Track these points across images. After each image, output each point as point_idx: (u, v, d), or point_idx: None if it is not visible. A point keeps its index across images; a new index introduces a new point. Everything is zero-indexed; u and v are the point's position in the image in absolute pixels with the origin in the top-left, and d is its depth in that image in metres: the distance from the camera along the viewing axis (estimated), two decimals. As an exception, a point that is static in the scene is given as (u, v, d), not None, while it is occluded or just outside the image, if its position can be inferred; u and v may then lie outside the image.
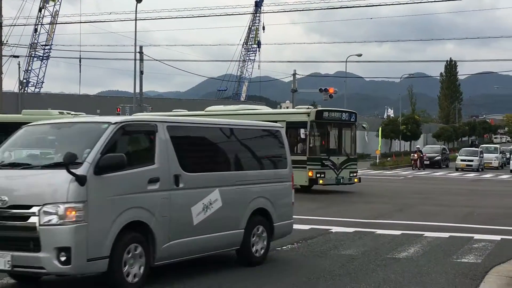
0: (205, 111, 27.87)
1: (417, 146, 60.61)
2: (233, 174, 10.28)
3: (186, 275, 9.46)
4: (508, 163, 54.02)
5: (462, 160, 51.65)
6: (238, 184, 10.20)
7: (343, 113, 26.42)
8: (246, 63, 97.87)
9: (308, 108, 26.66)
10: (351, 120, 26.55)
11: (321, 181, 24.43)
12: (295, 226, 14.93)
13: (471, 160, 51.28)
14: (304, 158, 24.14)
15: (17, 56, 55.82)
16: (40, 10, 66.86)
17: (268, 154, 11.51)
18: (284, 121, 23.39)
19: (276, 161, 11.55)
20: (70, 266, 7.37)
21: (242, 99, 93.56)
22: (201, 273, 9.66)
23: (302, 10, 54.73)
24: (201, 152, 10.17)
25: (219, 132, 10.61)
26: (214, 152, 10.51)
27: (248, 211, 10.26)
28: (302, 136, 24.28)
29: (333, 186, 25.87)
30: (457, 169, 50.83)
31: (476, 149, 58.53)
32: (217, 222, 9.57)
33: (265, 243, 10.63)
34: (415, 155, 52.84)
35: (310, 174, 24.02)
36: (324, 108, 27.65)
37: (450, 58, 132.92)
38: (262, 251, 10.57)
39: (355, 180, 26.00)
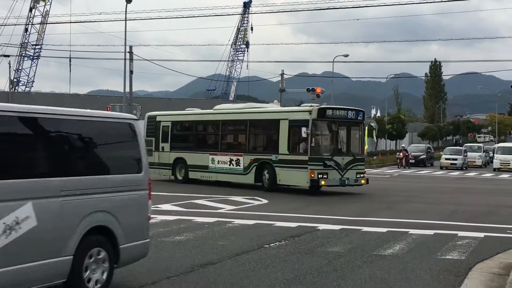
0: (214, 109, 28.96)
1: (402, 145, 60.77)
2: (57, 181, 7.50)
3: None
4: (491, 162, 54.31)
5: (446, 159, 51.92)
6: (65, 194, 7.54)
7: (349, 111, 24.18)
8: (235, 63, 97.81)
9: (311, 106, 24.38)
10: (358, 118, 24.46)
11: (323, 182, 22.83)
12: (283, 224, 15.02)
13: (455, 159, 51.54)
14: (306, 158, 22.70)
15: (8, 56, 55.57)
16: (30, 10, 66.55)
17: (114, 154, 8.97)
18: (287, 119, 23.71)
19: (125, 163, 9.01)
20: None
21: (231, 98, 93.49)
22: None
23: (290, 11, 54.76)
24: (4, 150, 7.08)
25: (37, 124, 7.58)
26: (27, 150, 7.54)
27: (80, 230, 7.67)
28: (304, 135, 22.45)
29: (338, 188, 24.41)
30: (441, 168, 51.02)
31: (460, 148, 58.77)
32: (29, 248, 7.00)
33: (105, 273, 8.09)
34: (401, 154, 52.97)
35: (311, 175, 22.39)
36: (327, 105, 25.65)
37: (435, 58, 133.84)
38: (102, 282, 8.04)
39: (362, 181, 24.00)
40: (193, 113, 30.17)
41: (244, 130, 26.38)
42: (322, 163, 22.64)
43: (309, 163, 22.50)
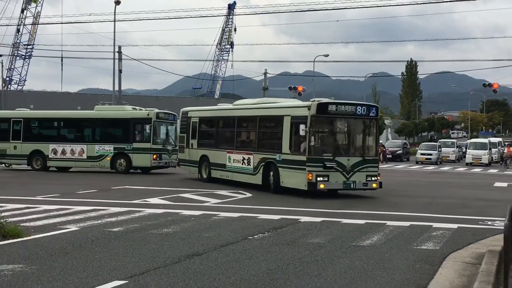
0: (234, 105, 27.36)
1: (380, 141, 61.07)
2: None
3: (162, 263, 9.35)
4: (464, 157, 54.71)
5: (422, 154, 52.25)
6: None
7: (359, 107, 20.67)
8: (220, 62, 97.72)
9: (312, 100, 20.89)
10: (370, 115, 20.84)
11: (321, 186, 19.68)
12: (266, 217, 15.04)
13: (430, 154, 51.91)
14: (304, 158, 19.81)
15: (0, 55, 55.02)
16: (22, 11, 65.97)
17: None
18: (289, 115, 21.03)
19: None
20: None
21: (216, 96, 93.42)
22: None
23: (272, 13, 54.87)
24: None
25: None
26: None
27: None
28: (302, 133, 19.64)
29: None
30: (417, 162, 51.34)
31: (435, 143, 59.15)
32: None
33: None
34: (379, 149, 53.19)
35: (309, 176, 19.51)
36: (329, 101, 21.58)
37: (411, 58, 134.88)
38: None
39: (374, 185, 20.49)
40: (214, 108, 28.77)
41: (255, 127, 24.09)
42: (321, 164, 19.65)
43: (307, 164, 19.64)
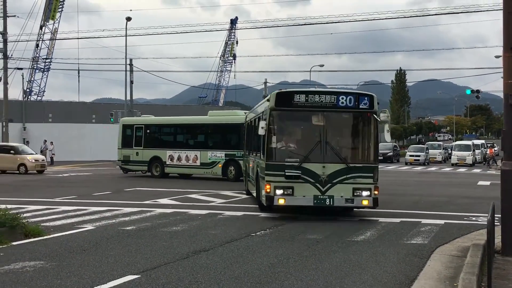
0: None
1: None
2: None
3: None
4: (450, 158, 54.69)
5: (410, 155, 52.32)
6: None
7: (341, 97, 14.26)
8: (223, 73, 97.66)
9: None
10: (361, 107, 14.34)
11: (280, 201, 13.93)
12: (267, 215, 15.02)
13: (419, 155, 51.99)
14: (264, 164, 14.60)
15: (21, 68, 55.05)
16: (41, 28, 66.06)
17: None
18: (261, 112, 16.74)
19: None
20: None
21: (220, 104, 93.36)
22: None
23: (271, 27, 54.98)
24: None
25: None
26: None
27: None
28: (261, 132, 14.28)
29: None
30: (406, 163, 51.33)
31: (423, 146, 59.15)
32: None
33: None
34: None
35: (266, 188, 14.11)
36: (295, 89, 15.08)
37: (400, 67, 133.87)
38: None
39: (364, 202, 14.07)
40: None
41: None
42: (282, 173, 13.94)
43: (265, 171, 14.26)
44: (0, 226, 11.06)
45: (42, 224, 12.89)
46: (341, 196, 13.97)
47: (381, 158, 53.88)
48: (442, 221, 14.35)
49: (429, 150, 55.50)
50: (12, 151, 34.40)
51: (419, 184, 27.90)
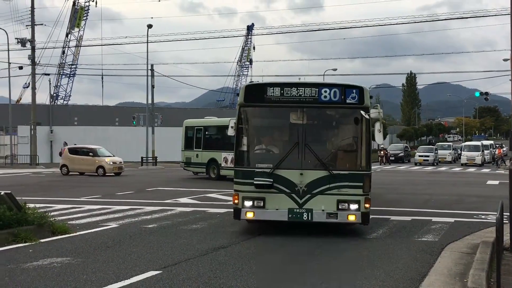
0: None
1: (382, 145, 60.79)
2: None
3: (192, 255, 9.39)
4: (459, 158, 54.24)
5: (420, 156, 51.85)
6: None
7: (324, 90, 11.41)
8: (240, 77, 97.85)
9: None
10: (348, 101, 11.41)
11: (249, 215, 11.32)
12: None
13: (428, 156, 51.52)
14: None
15: (48, 74, 55.60)
16: (67, 35, 66.66)
17: None
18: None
19: None
20: None
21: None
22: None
23: (286, 33, 54.86)
24: None
25: None
26: None
27: None
28: (230, 132, 11.77)
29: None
30: (415, 164, 50.91)
31: (432, 146, 58.72)
32: None
33: None
34: (382, 152, 52.93)
35: (234, 199, 11.55)
36: (268, 81, 13.82)
37: (410, 71, 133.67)
38: None
39: (351, 217, 11.14)
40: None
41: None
42: (251, 181, 11.24)
43: (234, 179, 11.70)
44: (29, 224, 11.18)
45: (68, 222, 13.00)
46: (322, 210, 11.01)
47: (393, 158, 53.78)
48: (452, 219, 14.24)
49: (440, 150, 55.09)
50: (91, 154, 33.50)
51: (430, 184, 27.70)
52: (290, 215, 11.12)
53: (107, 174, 32.78)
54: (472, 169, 44.12)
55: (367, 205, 11.14)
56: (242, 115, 11.58)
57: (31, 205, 12.27)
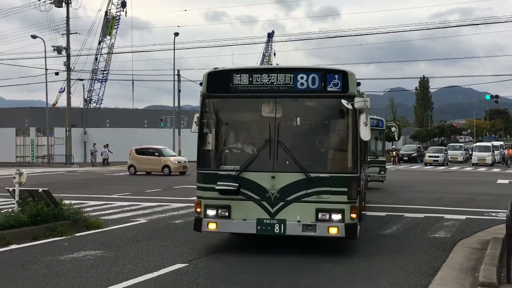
0: None
1: (393, 146, 60.48)
2: None
3: (216, 249, 9.40)
4: (471, 158, 53.57)
5: (430, 156, 50.71)
6: None
7: (300, 75, 9.02)
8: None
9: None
10: (329, 89, 8.94)
11: (211, 226, 9.08)
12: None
13: (437, 156, 50.38)
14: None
15: (82, 79, 56.23)
16: (99, 43, 67.27)
17: None
18: None
19: None
20: None
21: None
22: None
23: (304, 39, 54.68)
24: None
25: None
26: None
27: None
28: (193, 128, 9.81)
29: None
30: (425, 164, 49.87)
31: (442, 147, 57.94)
32: None
33: None
34: (394, 152, 52.56)
35: (196, 207, 9.29)
36: (235, 67, 10.05)
37: (423, 75, 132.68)
38: None
39: (332, 230, 8.64)
40: None
41: None
42: (212, 186, 9.05)
43: (197, 184, 9.41)
44: (65, 219, 11.32)
45: (101, 218, 13.12)
46: (298, 221, 8.67)
47: (406, 158, 53.27)
48: (463, 217, 14.09)
49: (451, 151, 54.41)
50: (156, 154, 32.88)
51: (442, 183, 27.41)
52: (259, 227, 8.75)
53: (172, 173, 32.07)
54: (482, 169, 43.55)
55: (353, 215, 8.62)
56: (204, 108, 9.39)
57: (67, 202, 12.42)
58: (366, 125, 8.70)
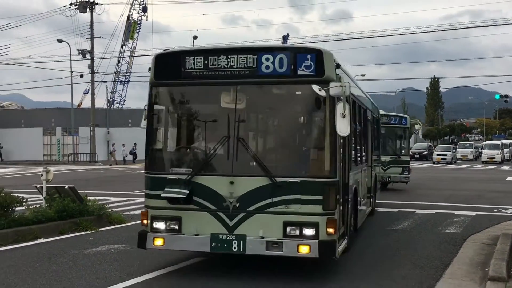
0: None
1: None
2: None
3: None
4: (480, 156, 53.03)
5: (438, 155, 49.62)
6: None
7: (266, 57, 6.98)
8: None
9: None
10: (300, 72, 6.86)
11: (158, 242, 7.16)
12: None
13: (445, 155, 49.26)
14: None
15: (105, 81, 56.65)
16: (121, 47, 67.73)
17: None
18: None
19: None
20: None
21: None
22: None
23: (318, 42, 54.56)
24: None
25: None
26: None
27: None
28: (142, 124, 7.83)
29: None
30: (433, 163, 48.55)
31: (450, 145, 57.13)
32: None
33: None
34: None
35: (142, 219, 7.44)
36: (188, 48, 10.30)
37: (434, 75, 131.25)
38: None
39: (303, 249, 6.63)
40: None
41: None
42: (158, 193, 7.19)
43: (144, 190, 7.59)
44: (90, 215, 11.44)
45: (123, 213, 13.23)
46: (261, 237, 6.80)
47: (417, 157, 52.82)
48: (473, 213, 13.96)
49: (461, 149, 53.82)
50: None
51: (452, 180, 27.18)
52: (213, 244, 6.88)
53: None
54: (492, 167, 43.07)
55: (330, 230, 6.67)
56: (153, 99, 7.55)
57: (91, 198, 12.54)
58: (344, 116, 6.56)
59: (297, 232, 6.72)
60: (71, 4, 49.82)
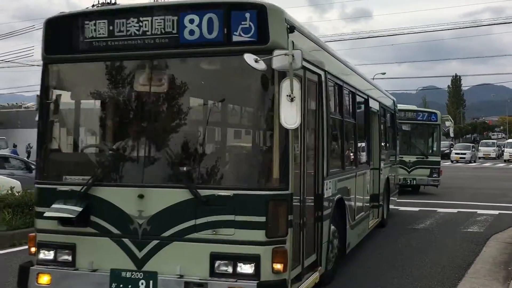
0: None
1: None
2: None
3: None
4: (503, 154, 52.32)
5: (456, 153, 48.44)
6: None
7: (190, 18, 4.75)
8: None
9: None
10: (236, 40, 4.67)
11: (43, 279, 4.95)
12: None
13: (464, 153, 48.04)
14: None
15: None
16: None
17: None
18: None
19: None
20: None
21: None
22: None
23: (338, 41, 54.42)
24: None
25: None
26: None
27: None
28: (37, 117, 5.42)
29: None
30: (452, 162, 46.53)
31: (469, 144, 56.16)
32: None
33: None
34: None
35: (30, 246, 5.28)
36: (88, 9, 8.10)
37: (455, 73, 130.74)
38: None
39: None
40: None
41: None
42: (51, 205, 4.98)
43: (34, 205, 5.73)
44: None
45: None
46: (178, 276, 4.71)
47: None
48: (496, 212, 13.80)
49: (484, 147, 53.07)
50: None
51: (475, 178, 26.88)
52: (113, 285, 4.81)
53: None
54: (515, 165, 42.49)
55: (277, 266, 4.63)
56: (46, 81, 5.47)
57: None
58: (292, 100, 4.39)
59: (230, 269, 4.64)
60: (93, 5, 50.47)
